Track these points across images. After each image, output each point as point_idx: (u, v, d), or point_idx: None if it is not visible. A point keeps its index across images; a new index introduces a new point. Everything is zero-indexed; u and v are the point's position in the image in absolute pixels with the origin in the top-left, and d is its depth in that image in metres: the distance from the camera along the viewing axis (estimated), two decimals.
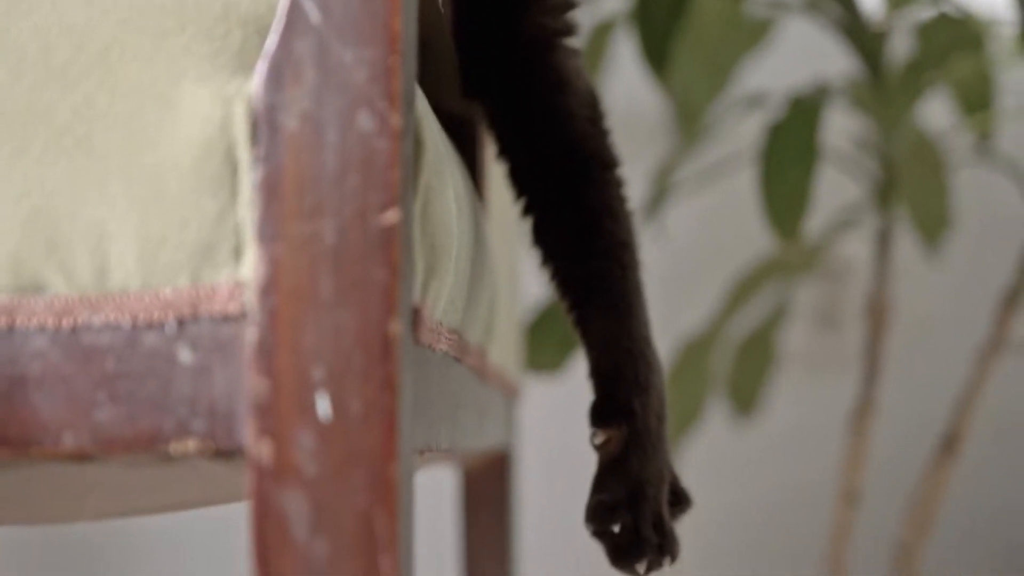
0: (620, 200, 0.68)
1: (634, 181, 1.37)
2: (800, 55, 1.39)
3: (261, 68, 0.44)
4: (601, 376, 0.65)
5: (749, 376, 1.37)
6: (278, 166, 0.44)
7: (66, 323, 0.44)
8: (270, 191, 0.44)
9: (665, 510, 0.63)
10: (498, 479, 1.00)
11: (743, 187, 1.35)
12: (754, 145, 1.07)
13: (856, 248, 1.48)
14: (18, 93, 0.45)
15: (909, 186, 1.25)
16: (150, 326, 0.45)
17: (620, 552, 0.61)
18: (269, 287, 0.44)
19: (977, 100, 1.24)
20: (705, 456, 1.48)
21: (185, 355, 0.45)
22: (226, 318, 0.45)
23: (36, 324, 0.44)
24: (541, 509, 1.47)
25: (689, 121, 1.30)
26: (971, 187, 1.35)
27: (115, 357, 0.45)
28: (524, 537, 1.31)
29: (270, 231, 0.44)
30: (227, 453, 0.44)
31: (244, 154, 0.45)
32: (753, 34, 1.26)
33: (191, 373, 0.44)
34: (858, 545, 1.25)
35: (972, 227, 1.39)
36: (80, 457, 0.45)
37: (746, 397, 1.37)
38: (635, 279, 0.67)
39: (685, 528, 1.48)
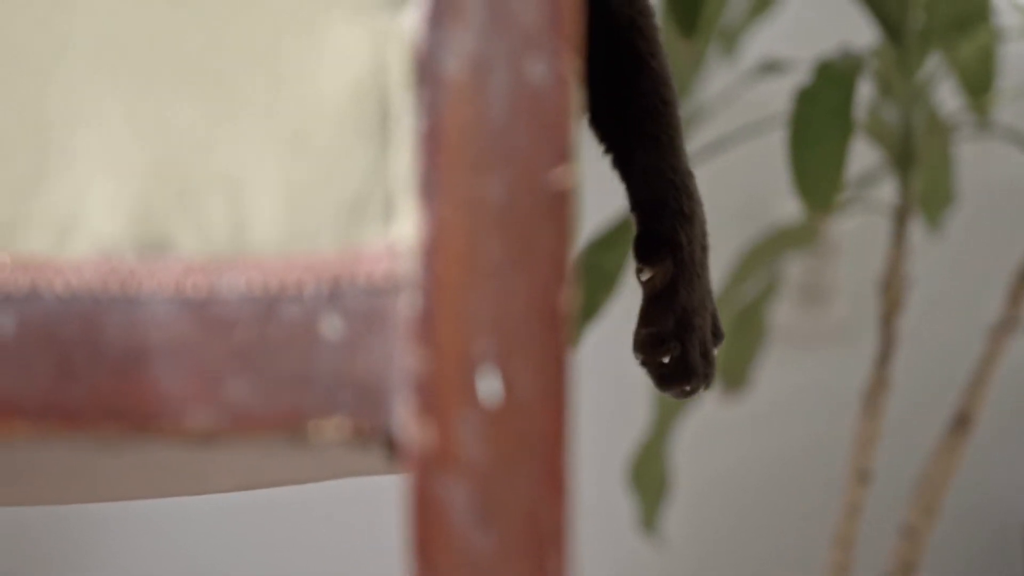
0: (656, 41, 0.66)
1: None
2: (804, 24, 1.36)
3: (420, 3, 0.39)
4: (644, 208, 0.64)
5: (740, 351, 1.34)
6: (441, 115, 0.39)
7: (196, 286, 0.39)
8: (433, 143, 0.39)
9: (709, 339, 0.64)
10: None
11: (738, 161, 1.32)
12: (750, 118, 1.04)
13: (846, 221, 1.46)
14: (137, 18, 0.40)
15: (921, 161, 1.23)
16: (291, 291, 0.40)
17: (667, 378, 0.62)
18: (432, 250, 0.39)
19: (980, 77, 1.21)
20: (699, 430, 1.45)
21: (330, 324, 0.40)
22: (377, 284, 0.40)
23: (162, 288, 0.39)
24: None
25: (683, 87, 1.26)
26: (981, 163, 1.33)
27: (251, 325, 0.39)
28: None
29: (433, 189, 0.39)
30: (377, 436, 0.39)
31: (398, 99, 0.40)
32: (761, 2, 1.23)
33: (336, 345, 0.40)
34: (863, 524, 1.23)
35: (984, 202, 1.38)
36: (207, 436, 0.39)
37: (737, 373, 1.35)
38: (676, 115, 0.66)
39: (678, 501, 1.44)
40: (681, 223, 0.63)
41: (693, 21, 0.99)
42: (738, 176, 1.39)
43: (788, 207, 1.23)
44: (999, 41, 1.16)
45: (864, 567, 1.24)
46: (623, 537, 1.43)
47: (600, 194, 1.35)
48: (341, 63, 0.40)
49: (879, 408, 1.13)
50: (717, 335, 0.65)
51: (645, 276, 0.63)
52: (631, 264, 1.15)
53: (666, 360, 0.61)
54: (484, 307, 0.39)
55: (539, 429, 0.39)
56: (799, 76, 1.05)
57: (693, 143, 1.24)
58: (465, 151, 0.39)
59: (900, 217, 1.14)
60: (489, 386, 0.39)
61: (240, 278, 0.39)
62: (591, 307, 1.12)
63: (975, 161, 1.31)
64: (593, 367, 1.45)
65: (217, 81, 0.39)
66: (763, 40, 1.31)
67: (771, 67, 1.16)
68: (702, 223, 0.64)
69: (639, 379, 1.38)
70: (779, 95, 1.07)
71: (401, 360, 0.39)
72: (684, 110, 1.22)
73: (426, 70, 0.39)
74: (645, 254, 0.63)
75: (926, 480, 1.14)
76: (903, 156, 1.13)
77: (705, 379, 0.62)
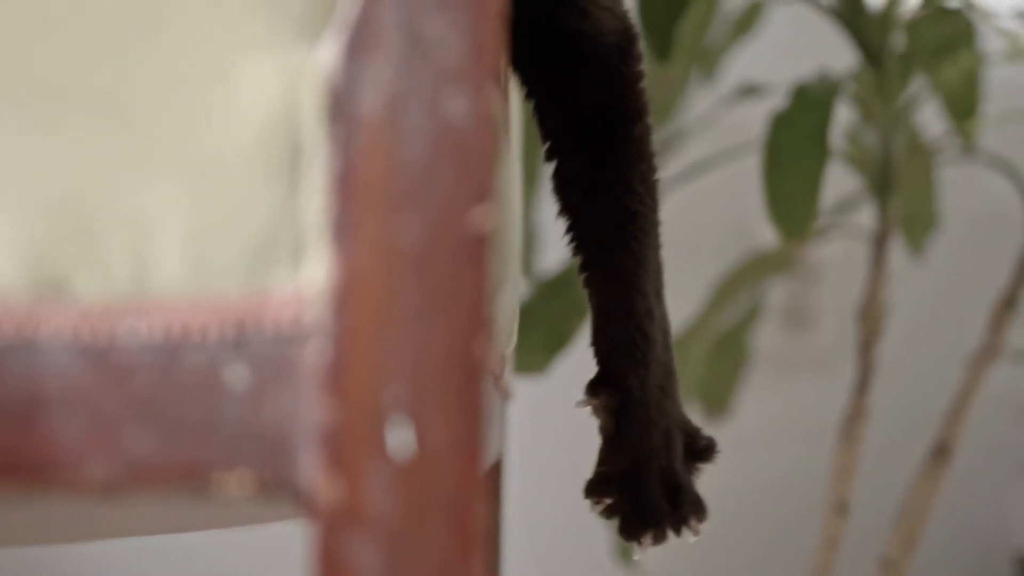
0: (640, 157, 0.65)
1: None
2: (783, 48, 1.34)
3: (337, 36, 0.38)
4: (598, 350, 0.65)
5: (722, 376, 1.32)
6: (356, 155, 0.37)
7: (96, 332, 0.37)
8: (346, 184, 0.37)
9: (681, 475, 0.63)
10: (489, 485, 0.94)
11: (719, 185, 1.30)
12: (732, 142, 1.02)
13: (830, 246, 1.44)
14: (45, 54, 0.38)
15: (899, 186, 1.21)
16: (195, 337, 0.38)
17: (626, 524, 0.61)
18: (343, 296, 0.37)
19: (965, 101, 1.20)
20: None
21: (234, 372, 0.38)
22: (284, 331, 0.38)
23: (59, 333, 0.37)
24: (522, 509, 1.41)
25: (666, 111, 1.25)
26: (965, 188, 1.31)
27: (152, 373, 0.37)
28: (507, 537, 1.26)
29: (346, 232, 0.37)
30: (282, 490, 0.38)
31: (311, 138, 0.38)
32: (741, 24, 1.21)
33: (241, 394, 0.38)
34: (842, 556, 1.21)
35: (966, 228, 1.36)
36: (106, 488, 0.37)
37: (719, 398, 1.33)
38: (645, 245, 0.65)
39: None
40: (632, 366, 0.63)
41: (667, 46, 0.97)
42: (718, 200, 1.38)
43: (769, 232, 1.22)
44: (983, 65, 1.14)
45: None
46: (600, 567, 1.41)
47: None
48: (251, 101, 0.38)
49: (857, 438, 1.11)
50: (705, 454, 0.65)
51: (581, 406, 0.65)
52: None
53: (613, 503, 0.60)
54: (397, 356, 0.37)
55: (451, 482, 0.37)
56: (778, 100, 1.03)
57: (673, 167, 1.23)
58: (380, 192, 0.37)
59: (879, 242, 1.12)
60: (400, 438, 0.37)
61: (142, 323, 0.37)
62: (564, 334, 1.10)
63: (958, 186, 1.29)
64: (569, 394, 1.44)
65: (123, 119, 0.37)
66: (744, 63, 1.29)
67: (750, 91, 1.14)
68: (663, 362, 0.64)
69: None
70: (760, 119, 1.05)
71: (308, 410, 0.37)
72: (664, 133, 1.20)
73: (340, 106, 0.37)
74: (589, 389, 0.64)
75: (905, 511, 1.12)
76: (882, 181, 1.11)
77: (675, 519, 0.61)
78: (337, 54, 0.38)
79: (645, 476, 0.60)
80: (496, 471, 0.93)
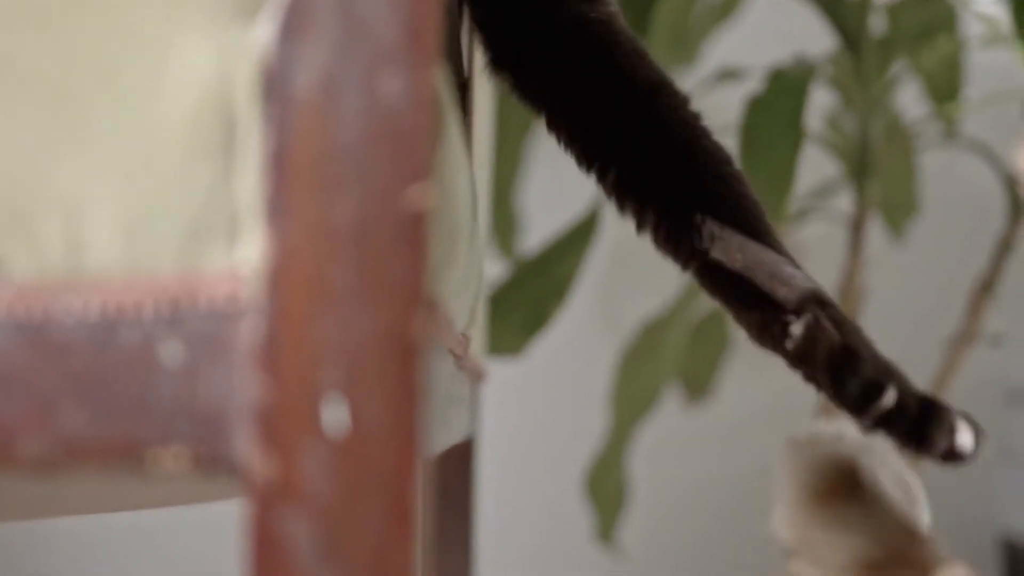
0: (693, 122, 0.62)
1: None
2: (764, 32, 1.34)
3: (272, 16, 0.38)
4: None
5: (704, 360, 1.33)
6: (290, 134, 0.37)
7: (30, 310, 0.37)
8: (280, 163, 0.37)
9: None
10: (460, 465, 0.94)
11: None
12: (722, 122, 1.02)
13: (813, 230, 1.44)
14: None
15: (879, 170, 1.21)
16: (130, 314, 0.38)
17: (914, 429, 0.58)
18: (277, 275, 0.37)
19: (947, 85, 1.20)
20: (659, 441, 1.43)
21: (169, 350, 0.38)
22: (219, 309, 0.38)
23: None
24: (499, 492, 1.42)
25: None
26: (944, 173, 1.31)
27: (87, 351, 0.38)
28: (484, 521, 1.26)
29: (280, 210, 0.37)
30: (217, 467, 0.38)
31: (246, 117, 0.38)
32: (722, 9, 1.21)
33: (175, 371, 0.38)
34: None
35: (944, 212, 1.36)
36: (41, 466, 0.38)
37: (700, 382, 1.33)
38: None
39: (637, 513, 1.42)
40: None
41: (643, 28, 0.97)
42: None
43: None
44: (964, 50, 1.14)
45: None
46: (577, 546, 1.41)
47: (550, 203, 1.33)
48: (186, 80, 0.38)
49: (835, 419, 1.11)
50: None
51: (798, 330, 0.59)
52: (582, 272, 1.14)
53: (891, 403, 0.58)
54: (332, 334, 0.37)
55: (387, 461, 0.37)
56: (756, 84, 1.03)
57: None
58: (314, 171, 0.38)
59: (856, 226, 1.12)
60: (335, 416, 0.37)
61: (77, 300, 0.38)
62: (541, 316, 1.10)
63: (939, 170, 1.29)
64: (547, 377, 1.44)
65: (57, 97, 0.38)
66: (726, 48, 1.29)
67: (729, 75, 1.14)
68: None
69: (595, 389, 1.37)
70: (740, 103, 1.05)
71: (243, 388, 0.37)
72: None
73: (275, 86, 0.38)
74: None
75: None
76: (860, 165, 1.11)
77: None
78: (272, 34, 0.38)
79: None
80: (468, 450, 0.94)
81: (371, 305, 0.37)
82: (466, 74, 0.68)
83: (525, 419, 1.47)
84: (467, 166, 0.48)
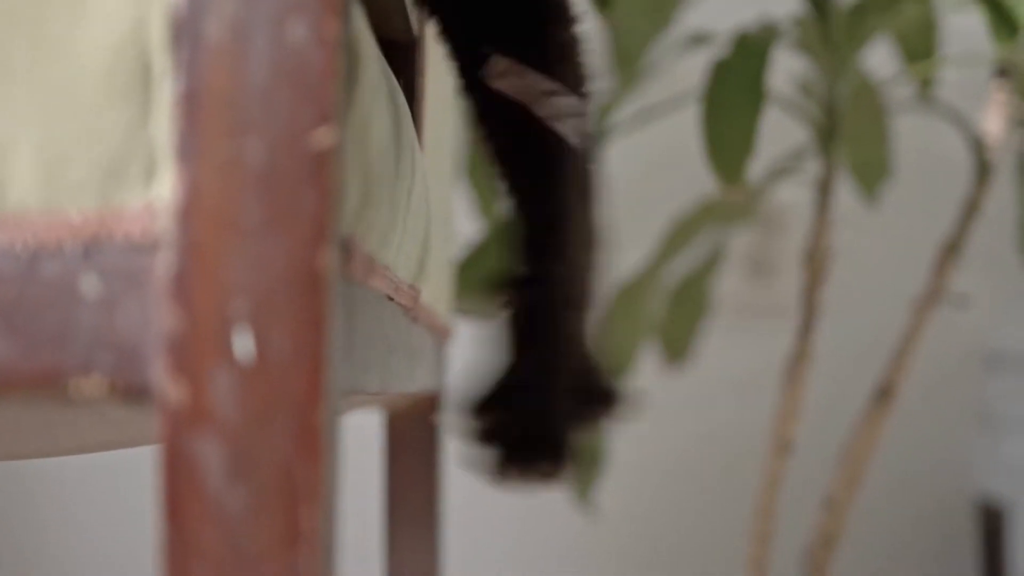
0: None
1: None
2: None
3: None
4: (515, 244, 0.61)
5: (682, 323, 1.34)
6: (200, 77, 0.40)
7: None
8: (191, 105, 0.39)
9: (559, 426, 0.58)
10: (426, 423, 0.97)
11: (683, 128, 1.32)
12: (696, 85, 1.03)
13: (792, 195, 1.46)
14: None
15: (850, 133, 1.22)
16: (50, 250, 0.40)
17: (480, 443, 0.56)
18: (188, 211, 0.39)
19: (920, 47, 1.21)
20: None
21: (88, 283, 0.40)
22: (136, 244, 0.40)
23: None
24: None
25: (628, 61, 1.26)
26: (912, 135, 1.33)
27: (10, 283, 0.40)
28: (451, 481, 1.28)
29: (191, 150, 0.39)
30: (135, 394, 0.40)
31: (160, 62, 0.40)
32: None
33: (95, 303, 0.40)
34: (788, 495, 1.24)
35: (913, 176, 1.37)
36: None
37: (679, 344, 1.35)
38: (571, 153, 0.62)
39: (613, 478, 1.45)
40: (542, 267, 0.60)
41: None
42: (675, 147, 1.39)
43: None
44: (935, 12, 1.15)
45: (787, 538, 1.24)
46: (556, 508, 1.44)
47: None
48: (103, 23, 0.40)
49: (800, 379, 1.13)
50: (605, 402, 0.61)
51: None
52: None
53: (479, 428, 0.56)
54: (240, 267, 0.40)
55: (294, 388, 0.40)
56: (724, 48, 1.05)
57: (626, 111, 1.24)
58: (224, 113, 0.40)
59: (824, 189, 1.14)
60: (243, 346, 0.39)
61: (1, 236, 0.40)
62: None
63: (907, 133, 1.31)
64: None
65: None
66: (703, 13, 1.31)
67: (698, 40, 1.15)
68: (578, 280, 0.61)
69: None
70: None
71: (157, 319, 0.40)
72: (623, 82, 1.22)
73: (185, 32, 0.40)
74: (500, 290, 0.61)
75: (848, 452, 1.14)
76: (827, 128, 1.13)
77: (529, 467, 0.56)
78: None
79: (513, 404, 0.57)
80: (434, 404, 0.96)
81: (278, 240, 0.40)
82: (415, 32, 0.70)
83: None
84: (389, 113, 0.50)
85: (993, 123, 1.14)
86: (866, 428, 1.14)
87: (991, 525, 1.45)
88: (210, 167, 0.40)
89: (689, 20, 1.28)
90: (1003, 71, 1.14)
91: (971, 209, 1.14)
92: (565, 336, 0.61)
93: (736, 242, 1.50)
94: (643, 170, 1.50)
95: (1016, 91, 1.14)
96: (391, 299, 0.59)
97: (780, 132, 1.26)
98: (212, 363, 0.39)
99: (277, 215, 0.40)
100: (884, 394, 1.14)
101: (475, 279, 1.12)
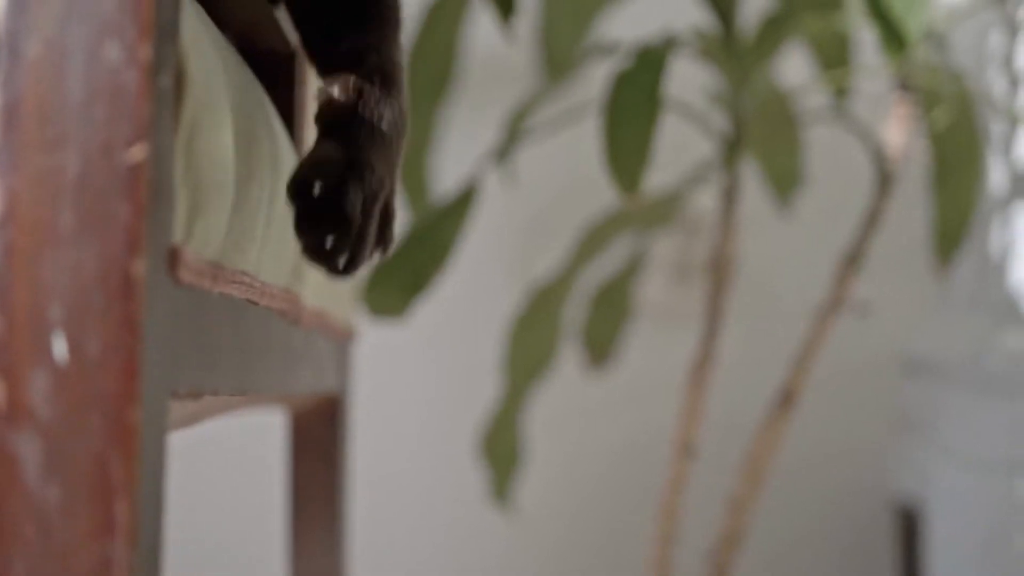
0: None
1: (490, 126, 1.35)
2: (664, 5, 1.39)
3: None
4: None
5: (604, 326, 1.37)
6: (18, 93, 0.42)
7: None
8: (10, 118, 0.42)
9: (391, 209, 0.58)
10: (329, 423, 0.99)
11: (585, 141, 1.35)
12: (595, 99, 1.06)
13: (709, 202, 1.49)
14: None
15: (761, 142, 1.26)
16: None
17: (311, 216, 0.54)
18: (5, 220, 0.42)
19: (834, 57, 1.24)
20: (556, 405, 1.48)
21: None
22: None
23: None
24: (374, 453, 1.47)
25: (552, 66, 1.29)
26: (824, 145, 1.36)
27: None
28: (355, 481, 1.31)
29: (8, 162, 0.42)
30: None
31: None
32: None
33: None
34: (694, 498, 1.27)
35: (823, 185, 1.41)
36: None
37: (600, 348, 1.38)
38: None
39: (531, 478, 1.47)
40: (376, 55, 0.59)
41: (509, 8, 1.01)
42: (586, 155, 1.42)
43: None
44: (853, 22, 1.18)
45: (692, 540, 1.27)
46: (472, 508, 1.46)
47: (438, 166, 1.37)
48: None
49: (704, 383, 1.16)
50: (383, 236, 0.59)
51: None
52: (466, 235, 1.18)
53: (317, 191, 0.53)
54: (57, 274, 0.42)
55: (108, 387, 0.42)
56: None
57: (550, 112, 1.27)
58: (42, 128, 0.42)
59: (728, 197, 1.17)
60: (59, 348, 0.42)
61: None
62: (423, 278, 1.14)
63: (817, 144, 1.34)
64: (440, 338, 1.49)
65: None
66: (628, 23, 1.34)
67: (603, 51, 1.18)
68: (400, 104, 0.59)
69: (489, 351, 1.41)
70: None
71: None
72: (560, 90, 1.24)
73: (5, 48, 0.42)
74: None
75: (751, 455, 1.17)
76: (732, 138, 1.16)
77: (363, 240, 0.55)
78: (7, 4, 0.42)
79: (362, 174, 0.55)
80: (336, 405, 0.98)
81: (93, 248, 0.42)
82: (292, 47, 0.73)
83: (421, 381, 1.52)
84: (231, 125, 0.53)
85: (894, 135, 1.17)
86: (768, 432, 1.16)
87: (907, 527, 1.48)
88: (27, 178, 0.42)
89: (616, 29, 1.30)
90: (903, 84, 1.17)
91: (872, 219, 1.17)
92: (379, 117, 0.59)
93: (659, 247, 1.53)
94: (559, 174, 1.53)
95: (916, 103, 1.17)
96: (253, 303, 0.62)
97: (696, 142, 1.29)
98: (29, 364, 0.42)
99: (91, 224, 0.42)
100: (786, 399, 1.17)
101: (391, 281, 1.15)
